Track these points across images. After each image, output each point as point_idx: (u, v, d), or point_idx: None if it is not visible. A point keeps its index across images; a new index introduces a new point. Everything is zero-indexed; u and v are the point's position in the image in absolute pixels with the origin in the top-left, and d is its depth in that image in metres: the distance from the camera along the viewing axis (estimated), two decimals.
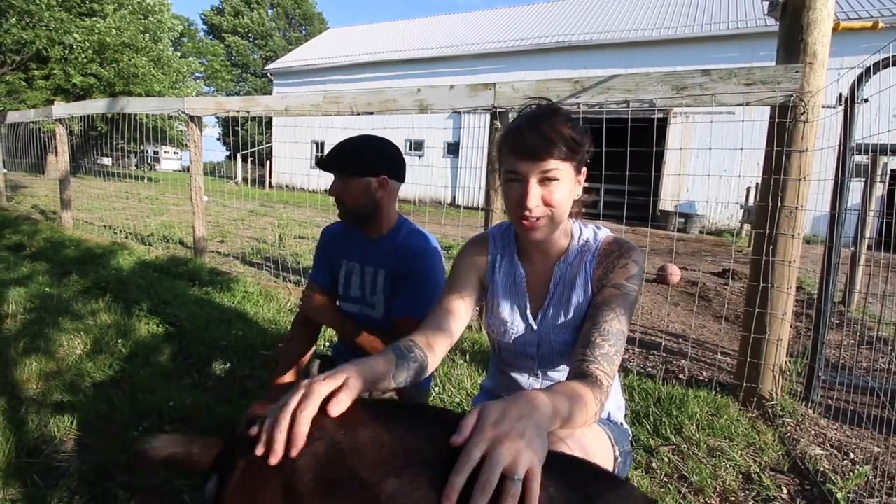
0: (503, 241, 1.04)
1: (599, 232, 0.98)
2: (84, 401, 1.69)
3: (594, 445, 0.80)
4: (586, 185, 0.95)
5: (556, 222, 0.89)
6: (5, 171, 7.96)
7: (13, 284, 2.94)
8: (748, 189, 9.62)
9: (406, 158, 1.42)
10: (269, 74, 20.23)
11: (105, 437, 1.51)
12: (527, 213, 0.85)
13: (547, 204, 0.86)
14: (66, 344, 2.14)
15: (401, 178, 1.38)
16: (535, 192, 0.84)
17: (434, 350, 0.87)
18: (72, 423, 1.58)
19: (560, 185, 0.86)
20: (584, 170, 0.92)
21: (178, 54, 17.06)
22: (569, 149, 0.84)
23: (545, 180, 0.85)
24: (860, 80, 1.94)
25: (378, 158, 1.32)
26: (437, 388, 1.91)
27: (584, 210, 1.01)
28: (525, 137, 0.84)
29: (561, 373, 1.02)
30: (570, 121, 0.86)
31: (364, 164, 1.30)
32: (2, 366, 1.91)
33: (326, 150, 1.44)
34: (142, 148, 15.30)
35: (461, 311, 0.96)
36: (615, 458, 0.88)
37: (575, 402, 0.68)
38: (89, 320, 2.43)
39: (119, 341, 2.18)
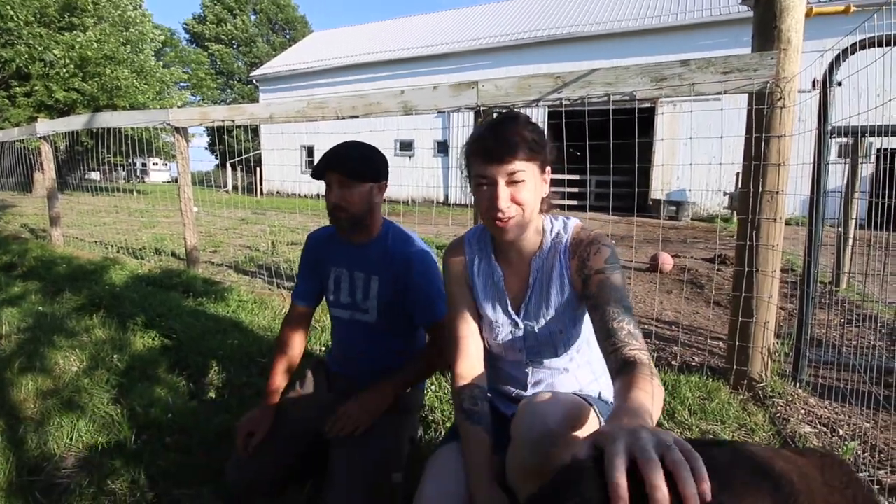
0: (479, 244, 1.09)
1: (569, 222, 1.03)
2: (83, 417, 1.70)
3: (581, 419, 0.84)
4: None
5: (526, 220, 0.94)
6: None
7: (6, 304, 2.93)
8: (737, 175, 9.70)
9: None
10: (254, 81, 20.13)
11: (105, 452, 1.52)
12: (499, 213, 0.90)
13: (516, 202, 0.91)
14: (62, 362, 2.15)
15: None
16: (504, 193, 0.90)
17: (484, 377, 1.04)
18: (71, 439, 1.58)
19: (526, 185, 0.91)
20: (548, 169, 0.97)
21: (161, 64, 16.93)
22: (531, 149, 0.90)
23: (512, 181, 0.90)
24: (832, 66, 1.98)
25: (380, 164, 1.35)
26: (432, 387, 1.93)
27: (553, 203, 1.07)
28: (490, 143, 0.90)
29: (549, 361, 1.05)
30: (529, 124, 0.92)
31: (371, 169, 1.32)
32: None
33: (316, 155, 1.45)
34: (129, 161, 15.17)
35: (475, 331, 1.06)
36: None
37: (643, 394, 0.68)
38: (84, 337, 2.43)
39: (115, 356, 2.19)
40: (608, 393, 1.10)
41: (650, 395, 0.68)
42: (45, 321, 2.62)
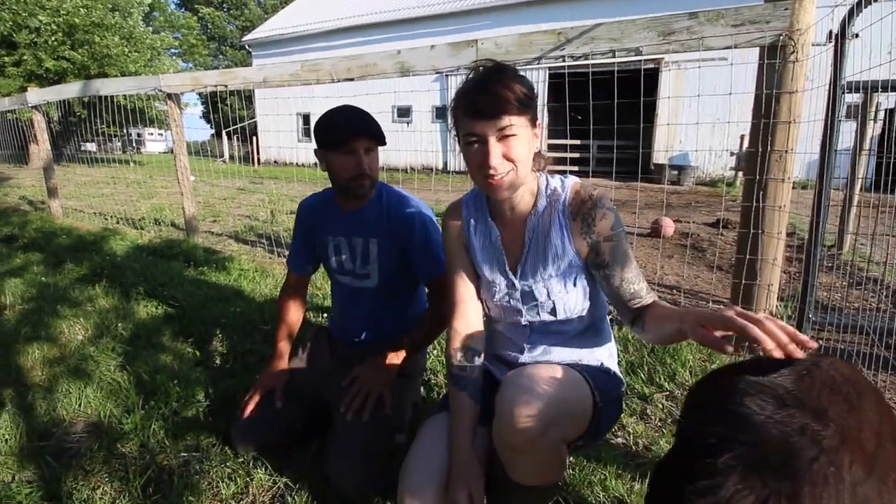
0: (476, 205, 1.07)
1: (566, 180, 1.00)
2: (90, 384, 1.72)
3: (571, 394, 0.87)
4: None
5: (519, 176, 0.91)
6: None
7: (8, 276, 2.93)
8: (742, 137, 9.51)
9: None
10: (247, 46, 19.54)
11: (114, 417, 1.54)
12: (491, 171, 0.87)
13: (509, 159, 0.88)
14: (67, 330, 2.16)
15: None
16: (495, 150, 0.87)
17: (480, 339, 1.05)
18: (80, 405, 1.61)
19: (518, 140, 0.88)
20: (538, 122, 0.94)
21: (150, 30, 16.42)
22: (521, 104, 0.86)
23: (503, 137, 0.87)
24: (852, 11, 1.88)
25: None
26: (434, 352, 1.95)
27: (550, 160, 1.05)
28: (478, 99, 0.86)
29: (547, 324, 1.04)
30: (517, 77, 0.88)
31: (383, 132, 1.30)
32: (5, 355, 1.94)
33: (313, 122, 1.40)
34: (124, 131, 14.93)
35: (473, 294, 1.06)
36: (595, 403, 0.91)
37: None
38: (88, 306, 2.45)
39: (119, 324, 2.20)
40: (611, 361, 1.08)
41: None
42: (48, 291, 2.63)
